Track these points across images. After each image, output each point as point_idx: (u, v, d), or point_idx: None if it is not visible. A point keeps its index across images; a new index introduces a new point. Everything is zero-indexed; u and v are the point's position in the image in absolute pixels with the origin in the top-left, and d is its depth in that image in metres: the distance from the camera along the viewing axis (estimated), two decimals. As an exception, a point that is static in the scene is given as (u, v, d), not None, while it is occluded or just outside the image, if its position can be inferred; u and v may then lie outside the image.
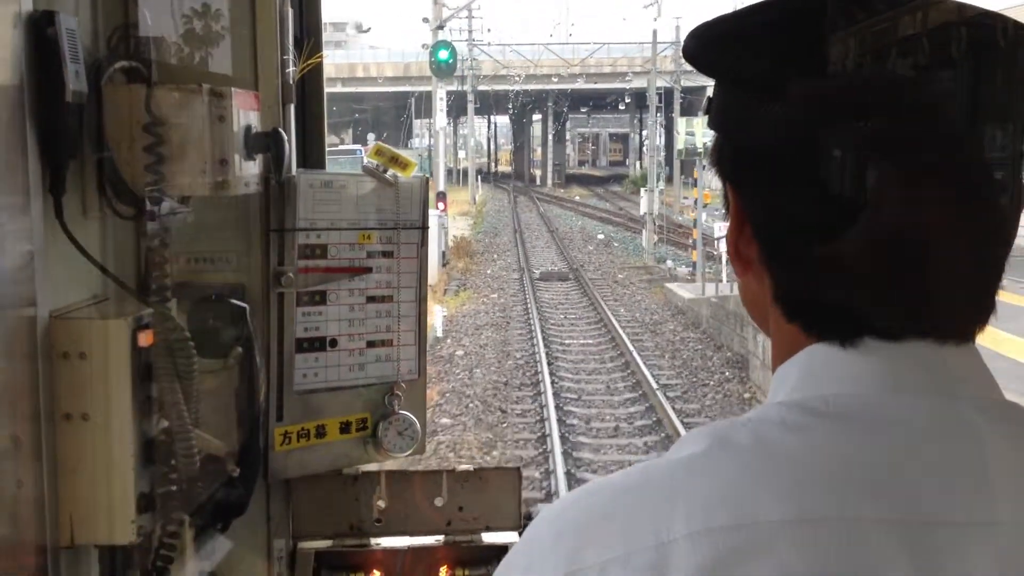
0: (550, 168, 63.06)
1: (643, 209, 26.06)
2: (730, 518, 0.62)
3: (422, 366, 1.73)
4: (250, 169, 1.51)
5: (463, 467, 1.71)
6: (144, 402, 1.35)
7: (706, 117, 0.80)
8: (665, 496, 0.65)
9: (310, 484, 1.67)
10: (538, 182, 62.92)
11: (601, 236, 30.46)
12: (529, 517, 1.74)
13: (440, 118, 25.86)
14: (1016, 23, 0.70)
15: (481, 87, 48.43)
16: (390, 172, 1.68)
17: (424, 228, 1.73)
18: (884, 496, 0.63)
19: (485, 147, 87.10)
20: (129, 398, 1.32)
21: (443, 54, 23.29)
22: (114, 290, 1.44)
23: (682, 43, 0.81)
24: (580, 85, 53.01)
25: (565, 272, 22.24)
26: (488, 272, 22.83)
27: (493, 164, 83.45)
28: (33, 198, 1.22)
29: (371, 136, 41.41)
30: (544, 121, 65.11)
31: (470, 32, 44.39)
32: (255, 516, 1.61)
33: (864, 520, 0.62)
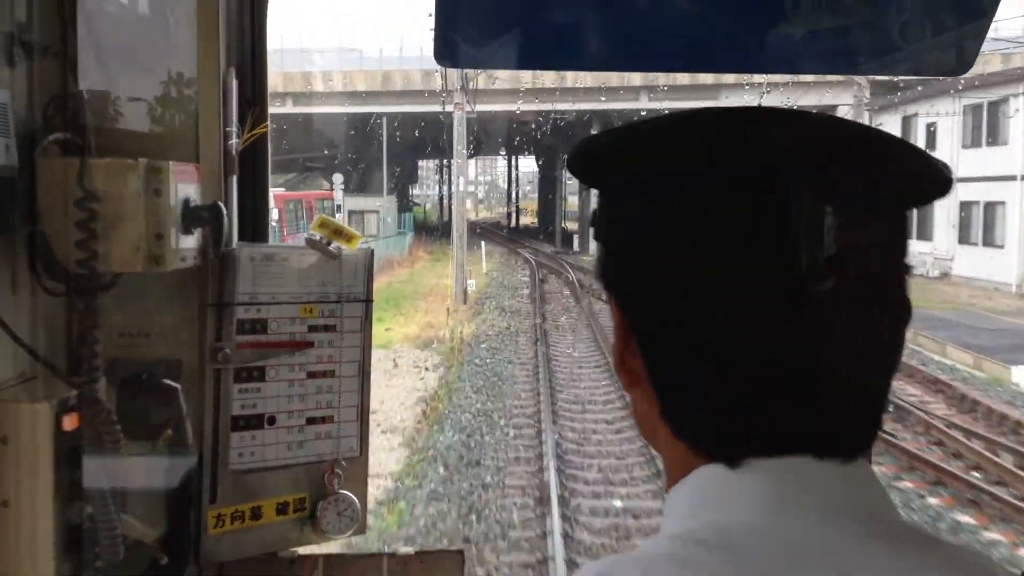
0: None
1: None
2: None
3: (364, 443, 1.72)
4: (187, 243, 1.51)
5: (404, 550, 1.69)
6: (67, 488, 1.33)
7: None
8: None
9: (244, 568, 1.64)
10: (575, 245, 43.49)
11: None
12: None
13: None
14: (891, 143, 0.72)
15: (484, 106, 31.31)
16: (334, 244, 1.68)
17: (369, 301, 1.73)
18: None
19: (506, 194, 74.85)
20: (51, 484, 1.30)
21: None
22: (43, 368, 1.42)
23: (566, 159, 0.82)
24: (643, 104, 33.36)
25: None
26: None
27: (515, 216, 69.71)
28: (-43, 278, 1.21)
29: (338, 178, 31.51)
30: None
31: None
32: (186, 601, 1.58)
33: None
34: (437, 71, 31.50)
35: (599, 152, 0.80)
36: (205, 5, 1.62)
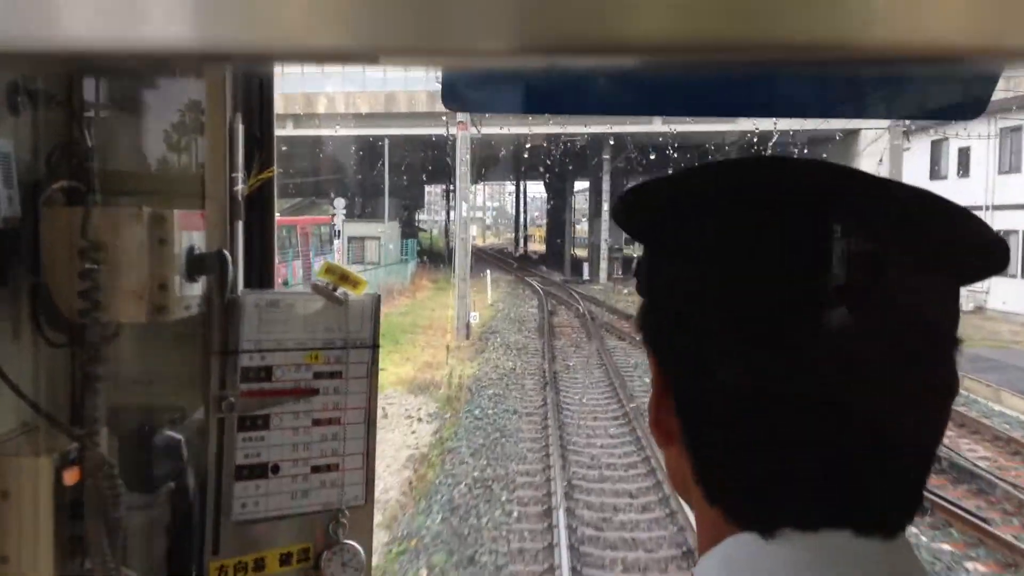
0: (603, 252, 39.79)
1: None
2: None
3: (369, 491, 1.72)
4: (191, 291, 1.52)
5: (409, 602, 1.68)
6: (68, 542, 1.34)
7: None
8: None
9: (247, 619, 1.64)
10: (585, 273, 41.80)
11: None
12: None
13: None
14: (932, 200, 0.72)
15: (490, 129, 31.47)
16: (340, 290, 1.69)
17: (375, 347, 1.74)
18: None
19: (514, 220, 72.73)
20: (51, 540, 1.32)
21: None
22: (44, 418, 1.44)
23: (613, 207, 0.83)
24: (657, 127, 32.82)
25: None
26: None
27: (522, 243, 67.78)
28: (-41, 330, 1.22)
29: (340, 203, 30.40)
30: (596, 181, 43.12)
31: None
32: (188, 654, 1.58)
33: None
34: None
35: (640, 203, 0.80)
36: (212, 50, 1.64)
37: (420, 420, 13.35)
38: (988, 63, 0.34)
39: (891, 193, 0.72)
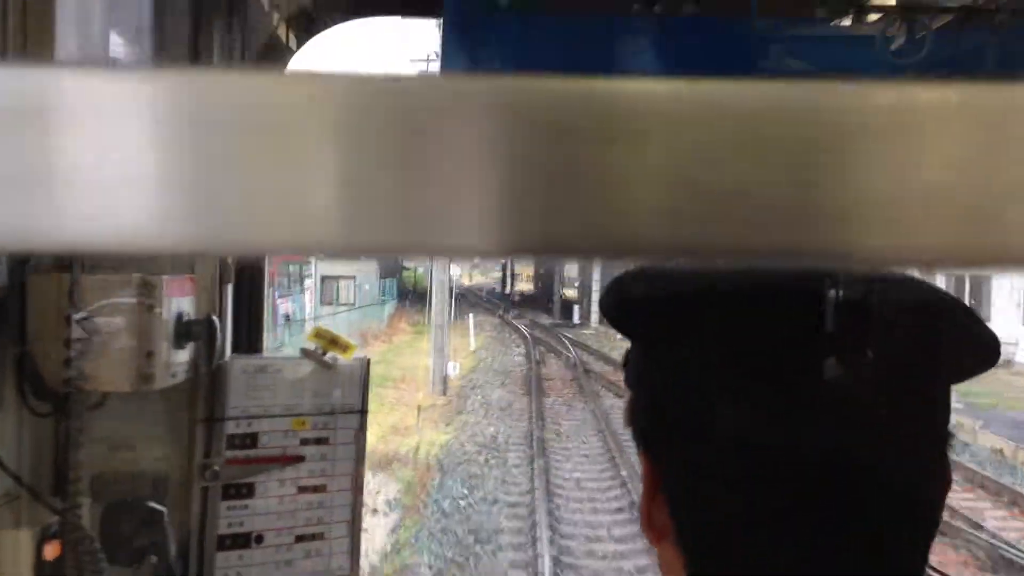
0: (595, 294, 36.00)
1: None
2: None
3: (355, 561, 1.71)
4: (179, 358, 1.52)
5: (393, 676, 1.67)
6: (47, 618, 1.33)
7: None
8: None
9: None
10: (575, 316, 39.88)
11: None
12: None
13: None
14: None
15: None
16: (329, 354, 1.70)
17: (364, 412, 1.74)
18: None
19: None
20: (30, 616, 1.30)
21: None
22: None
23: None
24: None
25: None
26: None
27: (510, 282, 64.94)
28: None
29: None
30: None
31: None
32: None
33: None
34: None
35: (634, 297, 0.80)
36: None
37: (375, 511, 10.54)
38: (987, 270, 0.35)
39: (880, 277, 0.73)
